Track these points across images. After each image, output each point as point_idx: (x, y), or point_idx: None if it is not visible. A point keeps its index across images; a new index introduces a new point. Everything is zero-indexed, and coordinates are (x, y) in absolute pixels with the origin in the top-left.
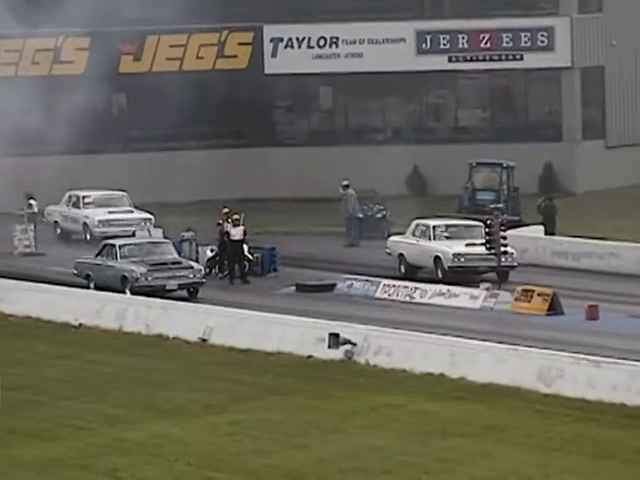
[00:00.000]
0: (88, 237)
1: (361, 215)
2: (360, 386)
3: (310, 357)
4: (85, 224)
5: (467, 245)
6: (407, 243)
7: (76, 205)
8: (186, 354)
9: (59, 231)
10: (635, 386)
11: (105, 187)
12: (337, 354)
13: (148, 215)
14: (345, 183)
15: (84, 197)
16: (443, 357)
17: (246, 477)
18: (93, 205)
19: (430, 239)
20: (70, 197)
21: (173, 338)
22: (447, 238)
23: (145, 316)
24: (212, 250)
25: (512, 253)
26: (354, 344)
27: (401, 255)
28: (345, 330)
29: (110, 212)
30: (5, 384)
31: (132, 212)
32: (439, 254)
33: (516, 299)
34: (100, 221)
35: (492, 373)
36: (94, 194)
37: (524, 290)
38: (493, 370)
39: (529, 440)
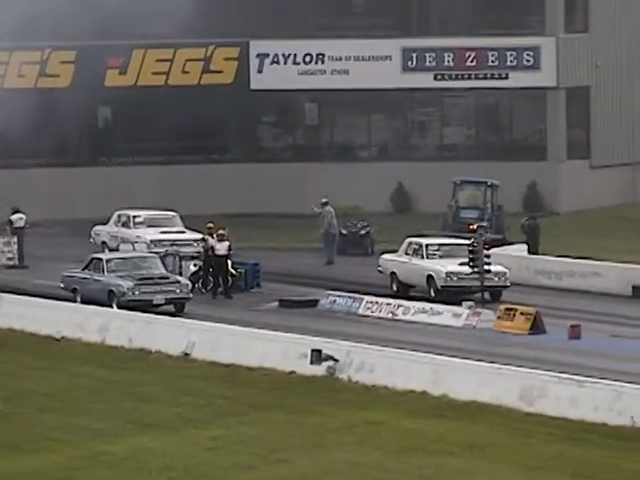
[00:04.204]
0: None
1: (345, 232)
2: (342, 402)
3: (292, 373)
4: (136, 244)
5: (460, 264)
6: (399, 261)
7: (126, 225)
8: (168, 368)
9: (107, 252)
10: (617, 406)
11: (92, 200)
12: (319, 370)
13: (200, 236)
14: (324, 200)
15: (134, 217)
16: (425, 374)
17: None
18: (144, 225)
19: (423, 257)
20: (119, 217)
21: (156, 352)
22: (440, 257)
23: (128, 330)
24: (195, 265)
25: (505, 273)
26: (336, 360)
27: (393, 273)
28: (327, 346)
29: (162, 232)
30: None
31: (184, 232)
32: (432, 273)
33: (499, 317)
34: (152, 241)
35: (474, 391)
36: (144, 214)
37: (507, 309)
38: (475, 388)
39: (511, 458)
